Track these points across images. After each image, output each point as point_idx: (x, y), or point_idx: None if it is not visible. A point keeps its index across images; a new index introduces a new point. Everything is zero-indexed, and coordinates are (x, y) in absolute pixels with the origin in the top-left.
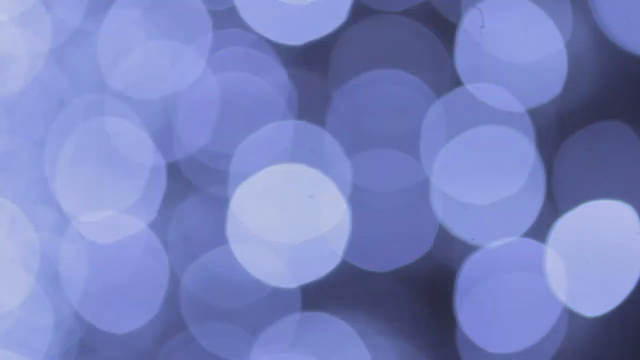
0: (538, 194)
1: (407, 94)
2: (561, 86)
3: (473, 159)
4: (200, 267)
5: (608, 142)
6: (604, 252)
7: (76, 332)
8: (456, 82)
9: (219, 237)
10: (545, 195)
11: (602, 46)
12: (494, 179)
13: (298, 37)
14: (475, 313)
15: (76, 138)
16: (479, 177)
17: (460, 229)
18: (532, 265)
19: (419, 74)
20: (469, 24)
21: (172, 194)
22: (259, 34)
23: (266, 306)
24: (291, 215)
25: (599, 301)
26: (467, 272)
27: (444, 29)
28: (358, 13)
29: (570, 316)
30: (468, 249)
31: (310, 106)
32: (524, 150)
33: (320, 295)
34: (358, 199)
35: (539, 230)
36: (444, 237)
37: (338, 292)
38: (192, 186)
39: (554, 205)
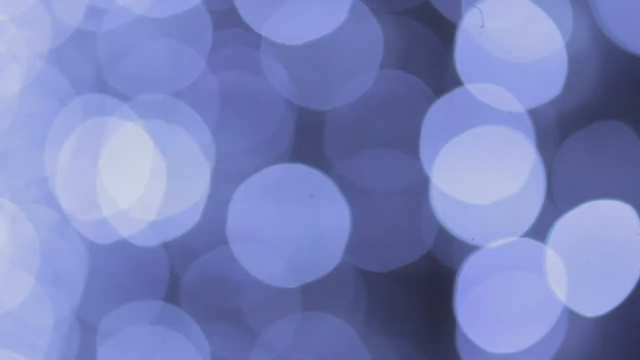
0: (538, 194)
1: (407, 94)
2: (561, 86)
3: (473, 159)
4: (200, 267)
5: (608, 142)
6: (604, 252)
7: (76, 332)
8: (456, 82)
9: (219, 237)
10: (545, 195)
11: (602, 46)
12: (494, 179)
13: (298, 37)
14: (475, 313)
15: (76, 138)
16: (479, 177)
17: (460, 229)
18: (532, 265)
19: (419, 74)
20: (469, 24)
21: (172, 194)
22: (259, 34)
23: (266, 306)
24: (291, 215)
25: (599, 301)
26: (467, 272)
27: (444, 29)
28: (358, 13)
29: (570, 316)
30: (468, 249)
31: (310, 106)
32: (524, 150)
33: (320, 295)
34: (358, 199)
35: (539, 230)
36: (444, 237)
37: (338, 292)
38: (192, 186)
39: (554, 205)
